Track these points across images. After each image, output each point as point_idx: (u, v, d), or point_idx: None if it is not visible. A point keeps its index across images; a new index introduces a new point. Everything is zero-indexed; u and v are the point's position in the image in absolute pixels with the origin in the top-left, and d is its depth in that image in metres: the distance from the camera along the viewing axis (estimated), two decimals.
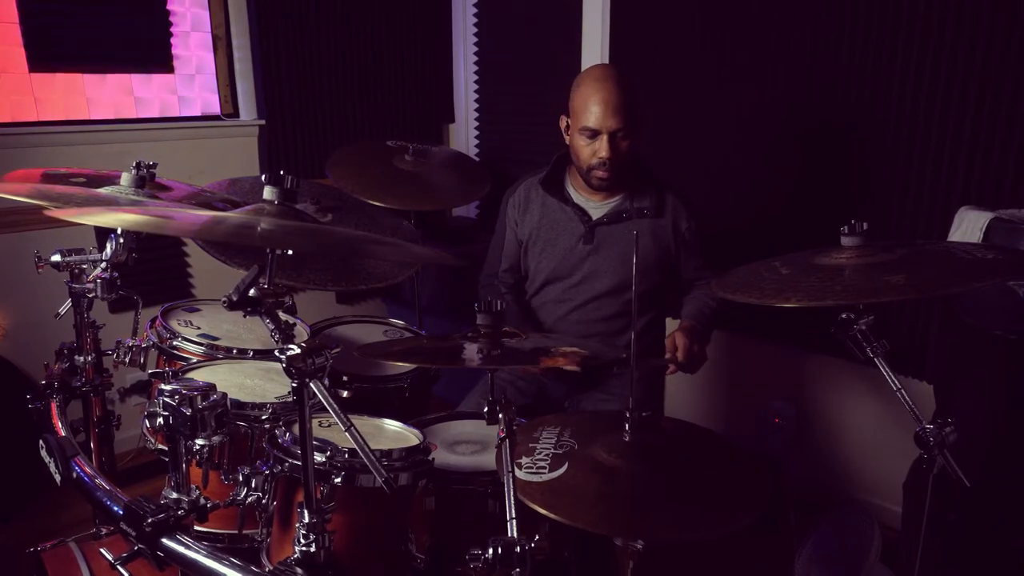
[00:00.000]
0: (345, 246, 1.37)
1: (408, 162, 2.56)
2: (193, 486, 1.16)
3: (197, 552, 1.06)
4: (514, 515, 1.08)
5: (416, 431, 1.46)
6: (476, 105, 3.74)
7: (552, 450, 1.28)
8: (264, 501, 1.30)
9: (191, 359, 1.67)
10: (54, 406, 1.55)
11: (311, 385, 1.06)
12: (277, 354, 1.06)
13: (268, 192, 1.18)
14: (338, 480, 1.22)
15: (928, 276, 1.21)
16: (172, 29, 3.02)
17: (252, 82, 3.18)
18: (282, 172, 1.19)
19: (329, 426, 1.42)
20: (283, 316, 1.12)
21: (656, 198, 2.02)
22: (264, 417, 1.45)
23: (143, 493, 1.14)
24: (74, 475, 1.30)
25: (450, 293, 3.24)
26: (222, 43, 3.15)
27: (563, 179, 2.09)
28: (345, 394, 1.78)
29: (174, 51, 3.05)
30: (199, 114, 3.18)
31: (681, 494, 1.20)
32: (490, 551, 1.04)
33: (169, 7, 2.99)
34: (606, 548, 1.20)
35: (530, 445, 1.30)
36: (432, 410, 1.85)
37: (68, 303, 1.64)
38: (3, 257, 2.62)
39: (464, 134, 3.81)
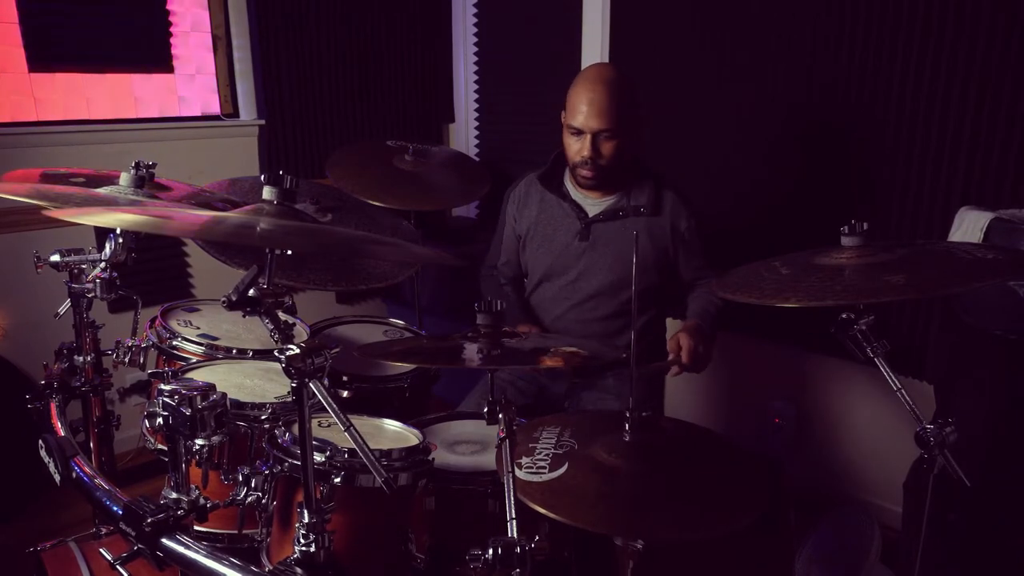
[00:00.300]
0: (345, 246, 1.37)
1: (408, 162, 2.56)
2: (193, 486, 1.16)
3: (197, 552, 1.06)
4: (514, 515, 1.08)
5: (416, 431, 1.46)
6: (476, 105, 3.74)
7: (552, 450, 1.27)
8: (264, 501, 1.30)
9: (191, 359, 1.67)
10: (53, 406, 1.55)
11: (311, 385, 1.06)
12: (277, 354, 1.06)
13: (268, 192, 1.18)
14: (338, 480, 1.22)
15: (928, 276, 1.21)
16: (172, 29, 3.02)
17: (252, 82, 3.18)
18: (282, 172, 1.19)
19: (329, 426, 1.42)
20: (283, 316, 1.12)
21: (654, 197, 2.02)
22: (264, 417, 1.45)
23: (143, 493, 1.14)
24: (74, 475, 1.30)
25: (450, 293, 3.24)
26: (222, 43, 3.15)
27: (562, 175, 2.10)
28: (345, 394, 1.78)
29: (174, 51, 3.05)
30: (199, 114, 3.18)
31: (681, 494, 1.20)
32: (490, 551, 1.04)
33: (169, 7, 2.99)
34: (606, 548, 1.19)
35: (530, 445, 1.30)
36: (432, 410, 1.85)
37: (67, 303, 1.64)
38: (3, 257, 2.62)
39: (464, 134, 3.81)
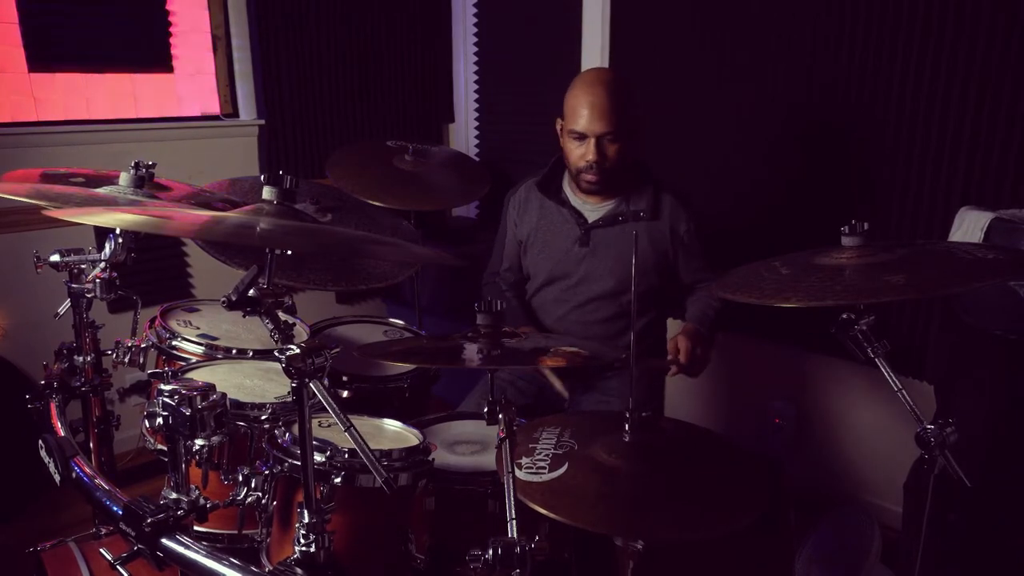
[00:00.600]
0: (345, 246, 1.37)
1: (408, 162, 2.56)
2: (193, 486, 1.16)
3: (197, 552, 1.06)
4: (514, 515, 1.08)
5: (416, 431, 1.46)
6: (476, 105, 3.74)
7: (552, 450, 1.27)
8: (264, 501, 1.30)
9: (190, 359, 1.67)
10: (53, 406, 1.55)
11: (311, 385, 1.06)
12: (277, 354, 1.06)
13: (267, 192, 1.18)
14: (338, 480, 1.22)
15: (928, 276, 1.21)
16: (172, 29, 3.02)
17: (252, 82, 3.18)
18: (282, 172, 1.19)
19: (329, 426, 1.42)
20: (283, 316, 1.12)
21: (653, 201, 2.01)
22: (264, 417, 1.45)
23: (143, 493, 1.14)
24: (74, 475, 1.30)
25: (450, 293, 3.24)
26: (222, 43, 3.15)
27: (560, 181, 2.10)
28: (345, 394, 1.78)
29: (174, 51, 3.05)
30: (199, 114, 3.18)
31: (681, 494, 1.20)
32: (490, 551, 1.04)
33: (169, 7, 2.99)
34: (606, 548, 1.19)
35: (530, 445, 1.30)
36: (432, 410, 1.85)
37: (67, 303, 1.64)
38: (3, 257, 2.62)
39: (464, 134, 3.81)
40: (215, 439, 1.15)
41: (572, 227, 2.05)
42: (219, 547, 1.33)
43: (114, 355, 1.69)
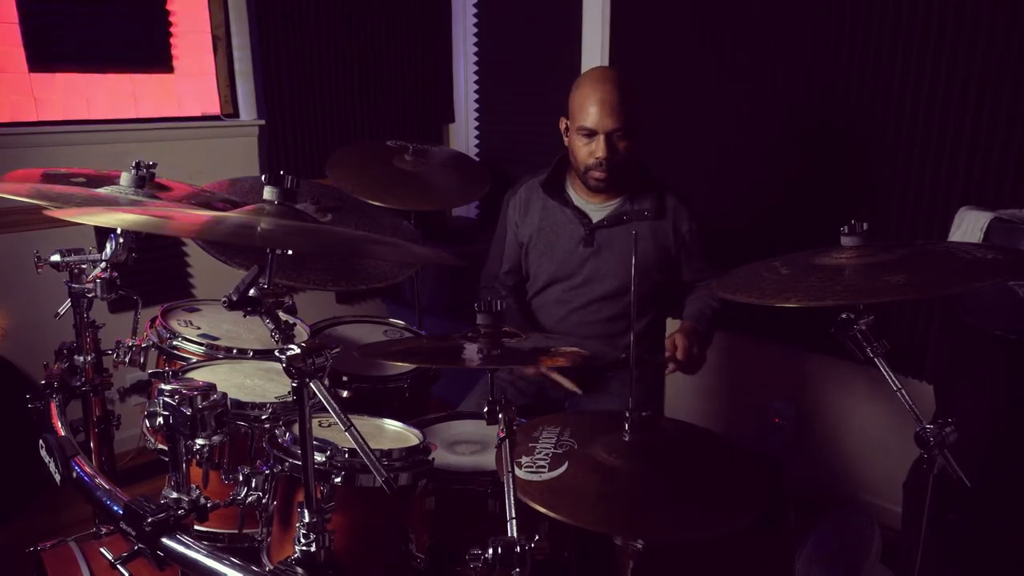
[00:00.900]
0: (345, 246, 1.37)
1: (408, 162, 2.56)
2: (193, 486, 1.16)
3: (197, 552, 1.06)
4: (514, 515, 1.08)
5: (416, 431, 1.46)
6: (476, 105, 3.74)
7: (552, 450, 1.28)
8: (264, 501, 1.30)
9: (191, 359, 1.67)
10: (54, 406, 1.55)
11: (311, 385, 1.06)
12: (277, 354, 1.06)
13: (268, 192, 1.18)
14: (338, 480, 1.22)
15: (928, 276, 1.21)
16: (172, 29, 3.02)
17: (252, 82, 3.18)
18: (282, 172, 1.19)
19: (329, 426, 1.42)
20: (283, 316, 1.12)
21: (656, 200, 2.02)
22: (264, 417, 1.45)
23: (143, 493, 1.14)
24: (74, 475, 1.30)
25: (450, 293, 3.24)
26: (222, 43, 3.15)
27: (564, 181, 2.09)
28: (345, 394, 1.78)
29: (174, 51, 3.05)
30: (199, 114, 3.18)
31: (681, 494, 1.20)
32: (490, 551, 1.04)
33: (169, 7, 2.99)
34: (606, 548, 1.20)
35: (530, 445, 1.30)
36: (432, 410, 1.85)
37: (68, 303, 1.64)
38: (3, 257, 2.62)
39: (464, 134, 3.81)
40: (216, 439, 1.16)
41: (576, 227, 2.05)
42: (220, 546, 1.33)
43: (115, 355, 1.69)
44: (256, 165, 3.24)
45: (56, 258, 1.60)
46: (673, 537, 1.22)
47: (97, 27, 2.84)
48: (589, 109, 1.88)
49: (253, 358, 1.71)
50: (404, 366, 1.86)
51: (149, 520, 1.07)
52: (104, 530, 1.67)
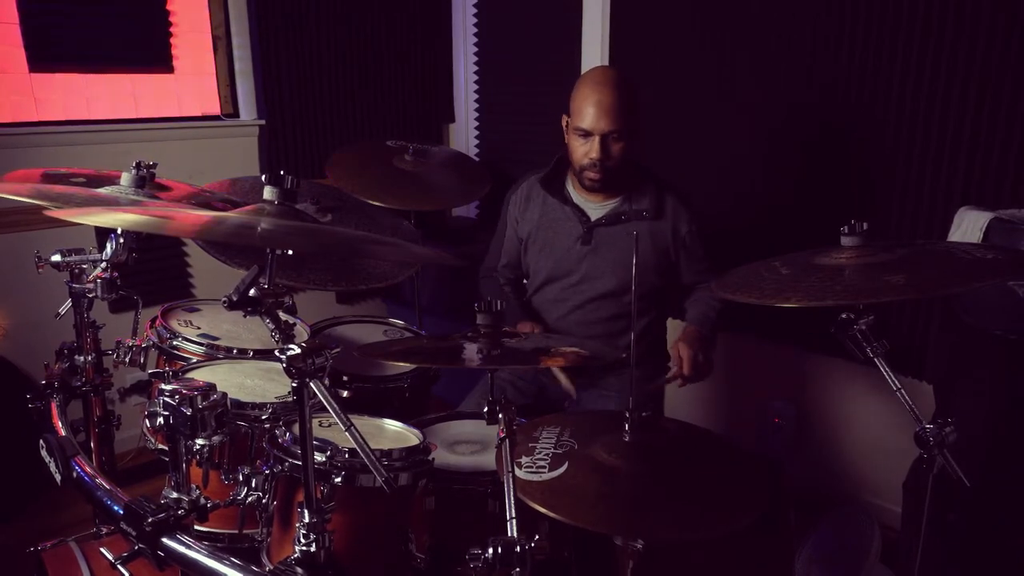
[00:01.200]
0: (345, 246, 1.37)
1: (408, 162, 2.56)
2: (193, 486, 1.16)
3: (197, 552, 1.06)
4: (514, 515, 1.08)
5: (416, 431, 1.46)
6: (476, 105, 3.74)
7: (552, 450, 1.28)
8: (264, 501, 1.30)
9: (191, 359, 1.67)
10: (54, 406, 1.55)
11: (311, 385, 1.06)
12: (277, 354, 1.06)
13: (268, 192, 1.18)
14: (338, 480, 1.22)
15: (928, 276, 1.21)
16: (172, 29, 3.02)
17: (252, 82, 3.18)
18: (282, 172, 1.19)
19: (329, 426, 1.42)
20: (283, 316, 1.12)
21: (656, 200, 2.02)
22: (264, 417, 1.45)
23: (143, 493, 1.15)
24: (74, 475, 1.30)
25: (450, 293, 3.24)
26: (222, 43, 3.15)
27: (564, 179, 2.10)
28: (345, 394, 1.78)
29: (174, 51, 3.05)
30: (199, 114, 3.18)
31: (681, 494, 1.20)
32: (490, 551, 1.04)
33: (169, 7, 2.99)
34: (606, 548, 1.20)
35: (530, 445, 1.30)
36: (432, 410, 1.85)
37: (68, 303, 1.64)
38: (3, 257, 2.62)
39: (464, 134, 3.81)
40: (216, 439, 1.16)
41: (574, 225, 2.05)
42: (220, 547, 1.33)
43: (115, 355, 1.69)
44: (256, 165, 3.24)
45: (56, 258, 1.60)
46: (673, 537, 1.22)
47: (97, 27, 2.84)
48: (586, 110, 1.88)
49: (253, 358, 1.71)
50: (404, 366, 1.86)
51: (149, 520, 1.07)
52: (104, 530, 1.68)
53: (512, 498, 1.09)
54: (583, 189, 2.04)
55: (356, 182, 2.36)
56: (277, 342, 1.07)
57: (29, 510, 2.54)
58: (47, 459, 1.37)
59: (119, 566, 1.18)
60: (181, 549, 1.07)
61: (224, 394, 1.16)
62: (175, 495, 1.13)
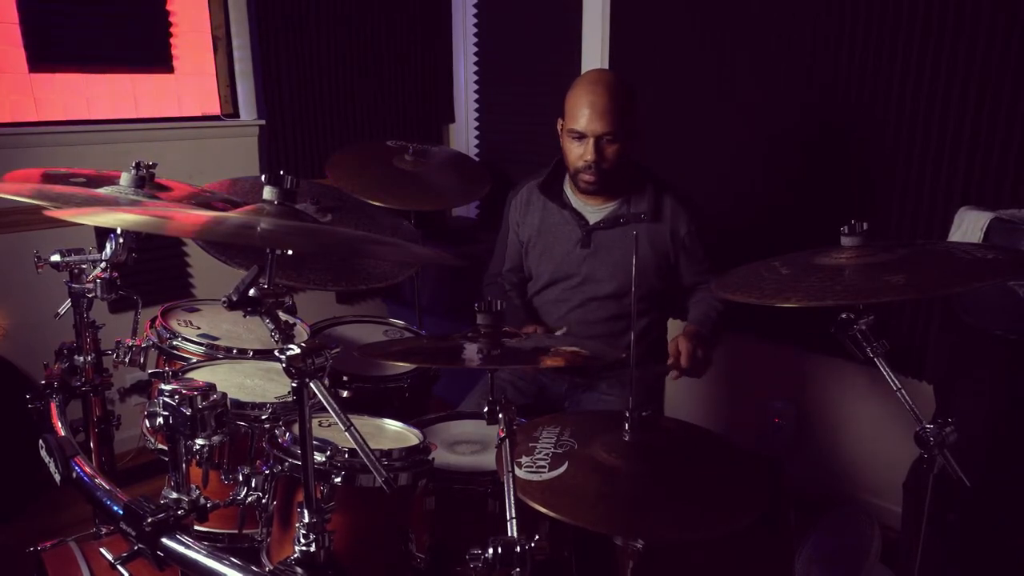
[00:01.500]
0: (345, 246, 1.37)
1: (408, 162, 2.56)
2: (193, 486, 1.16)
3: (197, 552, 1.06)
4: (514, 515, 1.08)
5: (416, 431, 1.46)
6: (476, 105, 3.74)
7: (552, 450, 1.28)
8: (264, 501, 1.30)
9: (191, 359, 1.67)
10: (54, 406, 1.55)
11: (311, 385, 1.06)
12: (277, 354, 1.06)
13: (268, 192, 1.18)
14: (338, 480, 1.22)
15: (928, 276, 1.21)
16: (172, 29, 3.02)
17: (252, 82, 3.18)
18: (282, 172, 1.19)
19: (329, 426, 1.42)
20: (283, 316, 1.12)
21: (654, 203, 2.01)
22: (264, 417, 1.45)
23: (143, 493, 1.14)
24: (74, 475, 1.30)
25: (450, 293, 3.24)
26: (222, 43, 3.15)
27: (562, 183, 2.10)
28: (345, 394, 1.78)
29: (174, 51, 3.05)
30: (199, 114, 3.18)
31: (681, 494, 1.20)
32: (490, 551, 1.04)
33: (169, 7, 2.99)
34: (606, 548, 1.20)
35: (530, 445, 1.30)
36: (432, 410, 1.85)
37: (68, 303, 1.64)
38: (3, 257, 2.62)
39: (464, 134, 3.81)
40: (215, 439, 1.16)
41: (573, 228, 2.05)
42: (219, 547, 1.33)
43: (115, 355, 1.69)
44: (256, 165, 3.24)
45: (56, 258, 1.60)
46: (673, 537, 1.22)
47: (97, 27, 2.84)
48: (580, 112, 1.88)
49: (253, 358, 1.71)
50: (404, 366, 1.86)
51: (149, 520, 1.07)
52: (104, 530, 1.67)
53: (512, 498, 1.09)
54: (579, 191, 2.04)
55: (356, 182, 2.36)
56: (277, 342, 1.07)
57: (29, 510, 2.54)
58: (47, 459, 1.37)
59: (119, 566, 1.18)
60: (181, 549, 1.07)
61: (224, 394, 1.16)
62: (175, 495, 1.13)
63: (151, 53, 3.00)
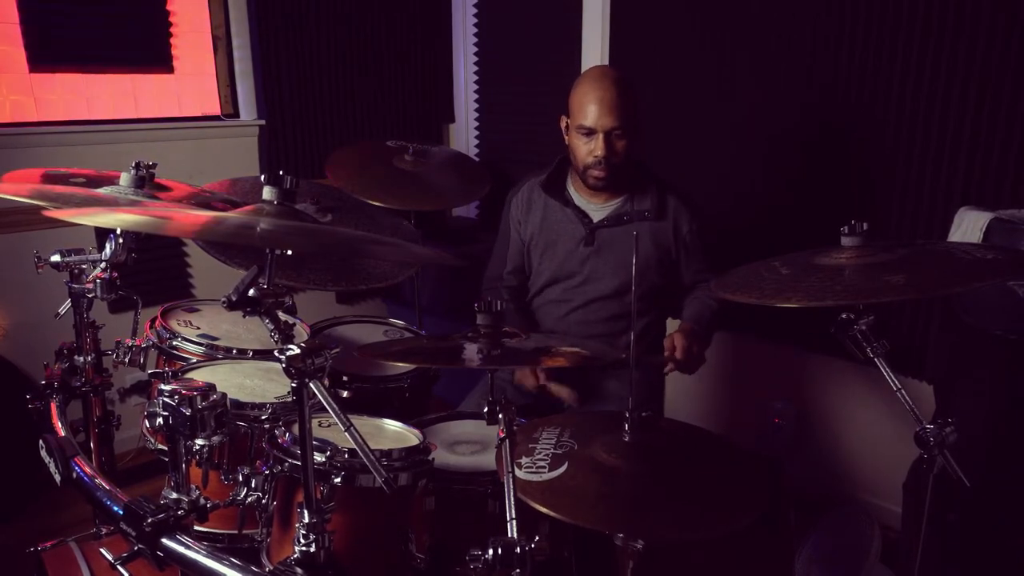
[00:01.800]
0: (345, 246, 1.37)
1: (408, 162, 2.56)
2: (193, 486, 1.16)
3: (197, 552, 1.06)
4: (514, 515, 1.08)
5: (416, 431, 1.46)
6: (476, 105, 3.74)
7: (552, 450, 1.28)
8: (264, 501, 1.30)
9: (191, 359, 1.67)
10: (54, 406, 1.55)
11: (311, 385, 1.06)
12: (277, 354, 1.06)
13: (268, 192, 1.18)
14: (338, 480, 1.22)
15: (928, 276, 1.21)
16: (172, 29, 3.02)
17: (252, 82, 3.18)
18: (282, 172, 1.19)
19: (329, 426, 1.42)
20: (283, 316, 1.12)
21: (657, 200, 2.01)
22: (264, 417, 1.45)
23: (143, 493, 1.14)
24: (74, 475, 1.30)
25: (450, 293, 3.24)
26: (222, 43, 3.15)
27: (565, 181, 2.09)
28: (345, 394, 1.78)
29: (174, 51, 3.05)
30: (199, 114, 3.18)
31: (681, 494, 1.20)
32: (490, 551, 1.04)
33: (169, 7, 2.99)
34: (606, 548, 1.20)
35: (530, 445, 1.30)
36: (432, 410, 1.85)
37: (68, 303, 1.64)
38: (3, 257, 2.62)
39: (464, 134, 3.81)
40: (215, 439, 1.16)
41: (576, 227, 2.05)
42: (219, 547, 1.33)
43: (115, 355, 1.69)
44: (256, 165, 3.24)
45: (56, 258, 1.60)
46: (673, 537, 1.22)
47: (97, 27, 2.84)
48: (588, 107, 1.88)
49: (253, 358, 1.71)
50: (404, 366, 1.86)
51: (149, 520, 1.07)
52: (104, 530, 1.68)
53: (512, 498, 1.09)
54: (586, 190, 2.04)
55: (356, 182, 2.36)
56: (277, 342, 1.07)
57: (29, 510, 2.54)
58: (47, 459, 1.37)
59: (119, 566, 1.18)
60: (181, 549, 1.07)
61: (224, 394, 1.16)
62: (175, 495, 1.13)
63: (151, 53, 3.00)
